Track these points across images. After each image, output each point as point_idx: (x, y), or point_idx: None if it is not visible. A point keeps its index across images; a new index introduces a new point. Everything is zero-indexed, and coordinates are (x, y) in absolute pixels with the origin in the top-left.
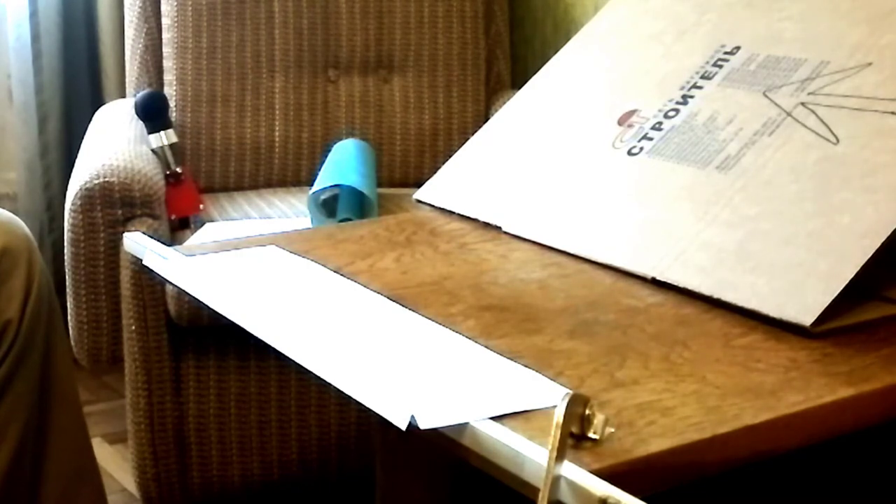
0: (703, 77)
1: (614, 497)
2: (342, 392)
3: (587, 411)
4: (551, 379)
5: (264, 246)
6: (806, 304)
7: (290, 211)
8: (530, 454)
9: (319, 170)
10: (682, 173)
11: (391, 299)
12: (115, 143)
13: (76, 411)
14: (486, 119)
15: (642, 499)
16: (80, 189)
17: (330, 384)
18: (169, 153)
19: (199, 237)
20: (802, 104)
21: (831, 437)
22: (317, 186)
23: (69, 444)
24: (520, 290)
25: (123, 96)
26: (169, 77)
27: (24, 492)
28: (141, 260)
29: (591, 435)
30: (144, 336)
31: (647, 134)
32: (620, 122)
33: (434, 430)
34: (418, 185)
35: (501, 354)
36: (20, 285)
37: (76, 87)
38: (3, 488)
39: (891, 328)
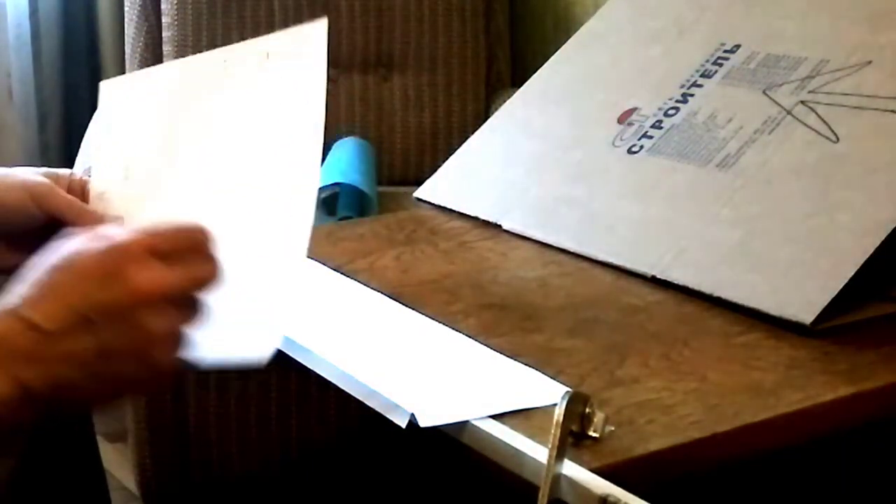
0: (703, 75)
1: (614, 495)
2: (342, 390)
3: (587, 410)
4: (551, 377)
5: None
6: (806, 302)
7: None
8: (530, 452)
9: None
10: (683, 172)
11: (391, 298)
12: None
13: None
14: (487, 117)
15: (642, 497)
16: None
17: (330, 383)
18: None
19: None
20: (802, 102)
21: (831, 435)
22: None
23: None
24: (520, 289)
25: None
26: None
27: None
28: None
29: (591, 433)
30: None
31: (647, 132)
32: (620, 121)
33: (434, 429)
34: (418, 183)
35: (501, 353)
36: None
37: (76, 86)
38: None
39: (891, 326)
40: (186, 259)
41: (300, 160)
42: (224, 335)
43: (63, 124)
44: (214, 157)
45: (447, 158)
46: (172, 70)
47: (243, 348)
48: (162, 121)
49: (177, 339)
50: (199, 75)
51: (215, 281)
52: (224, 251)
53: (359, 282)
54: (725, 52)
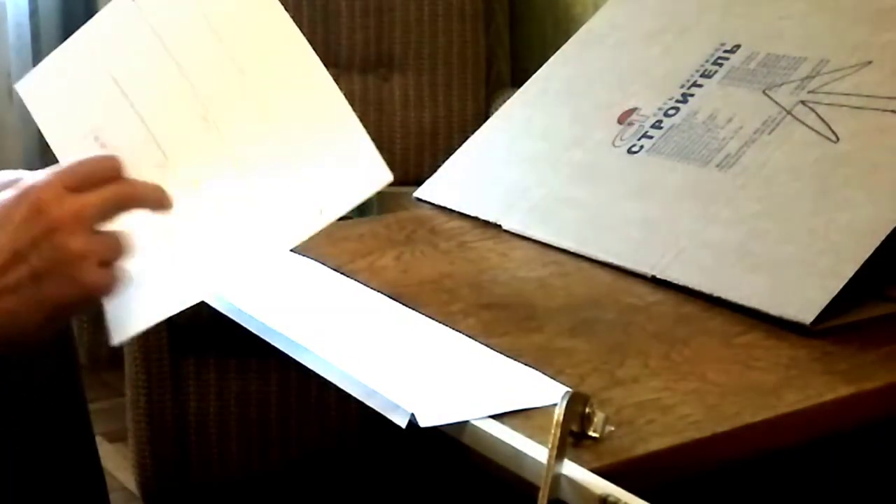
0: (703, 75)
1: (614, 495)
2: (342, 390)
3: (587, 410)
4: (551, 377)
5: None
6: (806, 302)
7: None
8: (530, 452)
9: None
10: (683, 172)
11: (391, 298)
12: None
13: (84, 409)
14: (486, 117)
15: (642, 497)
16: None
17: (330, 382)
18: None
19: None
20: (802, 102)
21: (831, 435)
22: None
23: None
24: (520, 289)
25: None
26: None
27: None
28: None
29: (591, 433)
30: (144, 334)
31: (647, 132)
32: (620, 121)
33: (434, 429)
34: (418, 183)
35: (501, 353)
36: None
37: None
38: None
39: (891, 326)
40: (99, 186)
41: (285, 40)
42: (338, 184)
43: None
44: (202, 85)
45: (447, 158)
46: (83, 38)
47: (360, 182)
48: (104, 80)
49: (98, 257)
50: (121, 25)
51: (132, 198)
52: (281, 136)
53: (359, 282)
54: (725, 52)
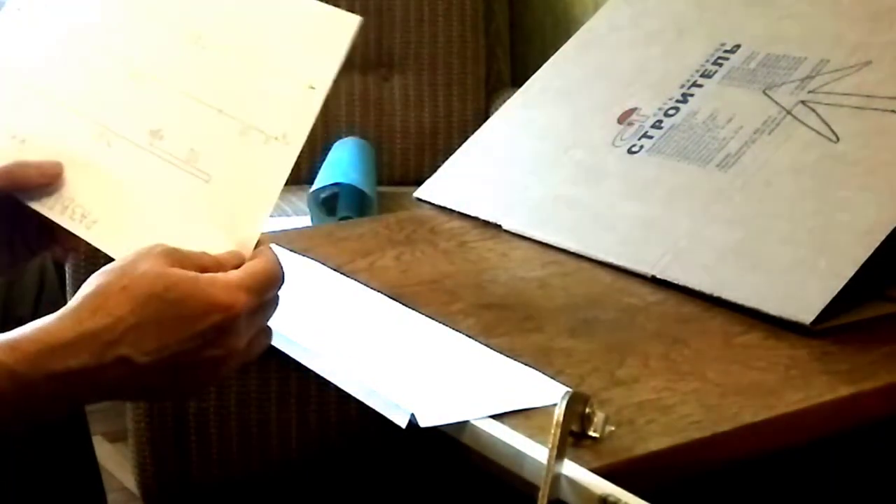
0: (703, 75)
1: (615, 495)
2: (342, 390)
3: (587, 410)
4: (551, 377)
5: None
6: (806, 302)
7: (290, 209)
8: (530, 452)
9: (319, 168)
10: (683, 171)
11: (391, 298)
12: None
13: (81, 409)
14: (486, 117)
15: (642, 497)
16: None
17: (330, 383)
18: None
19: None
20: (802, 102)
21: (831, 435)
22: (317, 185)
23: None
24: (520, 289)
25: None
26: None
27: None
28: None
29: (591, 433)
30: None
31: (647, 132)
32: (620, 121)
33: (434, 429)
34: (418, 183)
35: (501, 353)
36: (33, 283)
37: None
38: None
39: (891, 326)
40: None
41: None
42: (314, 54)
43: None
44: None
45: (447, 158)
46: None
47: (333, 38)
48: (10, 82)
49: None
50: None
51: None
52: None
53: (359, 282)
54: (725, 52)
